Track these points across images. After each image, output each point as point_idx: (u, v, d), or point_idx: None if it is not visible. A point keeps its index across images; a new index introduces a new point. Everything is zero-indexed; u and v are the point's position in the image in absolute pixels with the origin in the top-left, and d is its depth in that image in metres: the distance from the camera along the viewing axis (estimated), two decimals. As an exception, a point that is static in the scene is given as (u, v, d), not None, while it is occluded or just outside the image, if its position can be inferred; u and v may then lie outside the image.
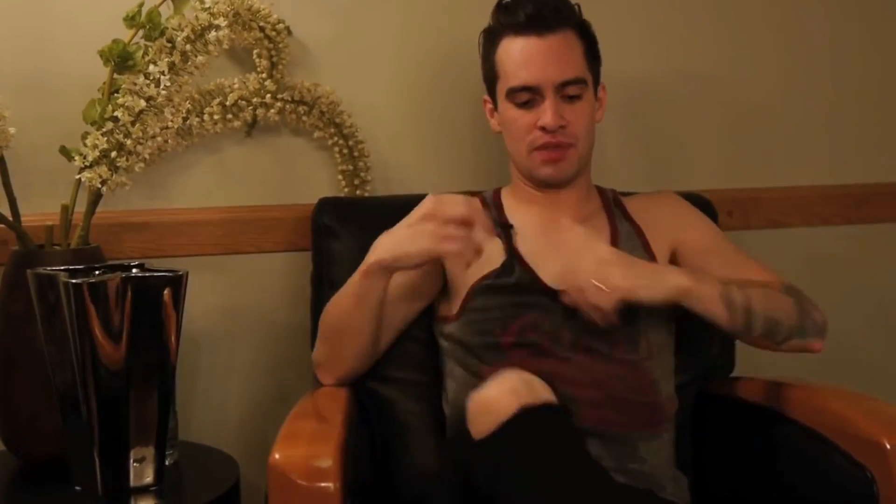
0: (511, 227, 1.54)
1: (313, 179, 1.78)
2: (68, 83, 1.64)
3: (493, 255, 1.48)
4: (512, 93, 1.51)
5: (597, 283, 1.35)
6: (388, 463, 1.54)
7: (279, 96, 1.70)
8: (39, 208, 1.59)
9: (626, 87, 1.82)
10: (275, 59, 1.69)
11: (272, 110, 1.70)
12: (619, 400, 1.41)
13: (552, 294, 1.45)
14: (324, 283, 1.61)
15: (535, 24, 1.49)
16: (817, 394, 1.45)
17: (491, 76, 1.57)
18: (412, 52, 1.81)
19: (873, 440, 1.21)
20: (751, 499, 1.43)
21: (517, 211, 1.58)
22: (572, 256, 1.39)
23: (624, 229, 1.57)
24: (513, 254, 1.50)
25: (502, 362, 1.38)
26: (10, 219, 1.52)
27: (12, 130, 1.49)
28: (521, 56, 1.50)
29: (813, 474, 1.36)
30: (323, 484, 1.15)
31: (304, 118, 1.73)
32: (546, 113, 1.49)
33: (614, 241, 1.53)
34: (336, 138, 1.74)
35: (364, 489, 1.40)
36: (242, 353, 1.78)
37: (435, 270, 1.53)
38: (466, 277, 1.49)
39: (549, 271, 1.47)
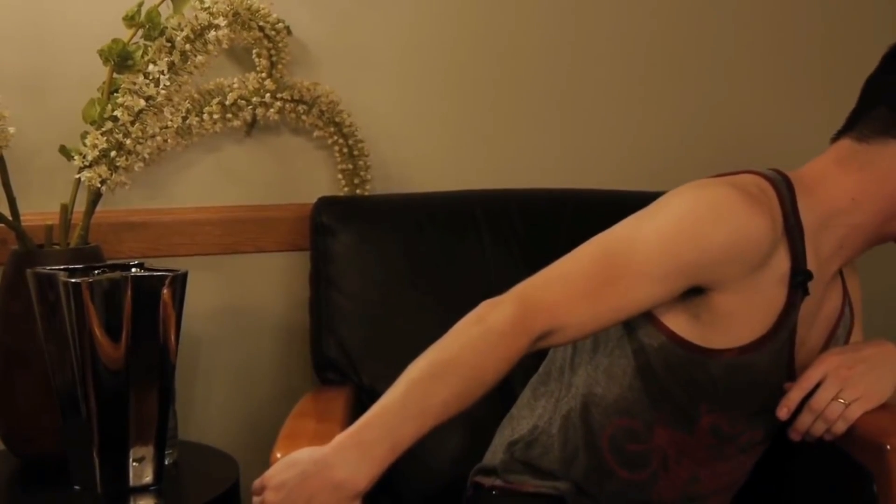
0: (810, 277, 1.18)
1: (313, 179, 1.78)
2: (68, 83, 1.64)
3: (771, 304, 1.19)
4: None
5: (845, 402, 1.19)
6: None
7: (279, 95, 1.70)
8: (39, 208, 1.59)
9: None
10: (274, 59, 1.69)
11: (272, 109, 1.70)
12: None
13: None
14: (322, 283, 1.61)
15: None
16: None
17: None
18: (412, 51, 1.81)
19: (873, 440, 1.21)
20: (750, 498, 1.42)
21: (814, 251, 1.20)
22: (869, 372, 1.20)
23: (846, 296, 1.32)
24: (791, 323, 1.20)
25: (680, 434, 1.25)
26: (10, 218, 1.52)
27: (12, 130, 1.49)
28: None
29: (812, 474, 1.36)
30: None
31: (304, 117, 1.72)
32: None
33: (842, 312, 1.32)
34: (336, 137, 1.74)
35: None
36: (242, 352, 1.78)
37: None
38: (739, 325, 1.19)
39: (803, 349, 1.24)
